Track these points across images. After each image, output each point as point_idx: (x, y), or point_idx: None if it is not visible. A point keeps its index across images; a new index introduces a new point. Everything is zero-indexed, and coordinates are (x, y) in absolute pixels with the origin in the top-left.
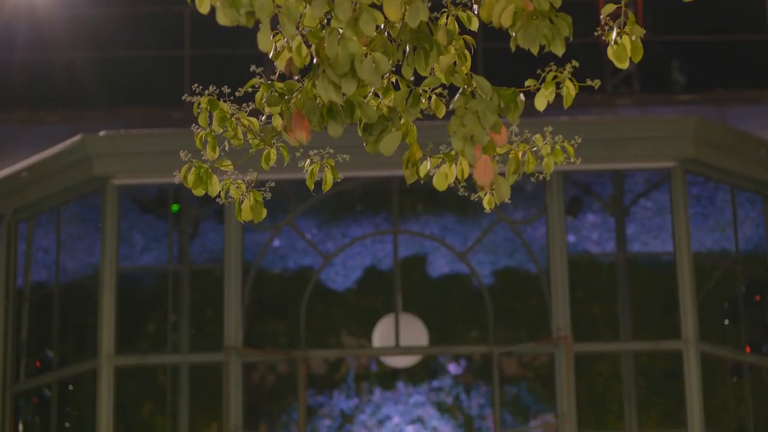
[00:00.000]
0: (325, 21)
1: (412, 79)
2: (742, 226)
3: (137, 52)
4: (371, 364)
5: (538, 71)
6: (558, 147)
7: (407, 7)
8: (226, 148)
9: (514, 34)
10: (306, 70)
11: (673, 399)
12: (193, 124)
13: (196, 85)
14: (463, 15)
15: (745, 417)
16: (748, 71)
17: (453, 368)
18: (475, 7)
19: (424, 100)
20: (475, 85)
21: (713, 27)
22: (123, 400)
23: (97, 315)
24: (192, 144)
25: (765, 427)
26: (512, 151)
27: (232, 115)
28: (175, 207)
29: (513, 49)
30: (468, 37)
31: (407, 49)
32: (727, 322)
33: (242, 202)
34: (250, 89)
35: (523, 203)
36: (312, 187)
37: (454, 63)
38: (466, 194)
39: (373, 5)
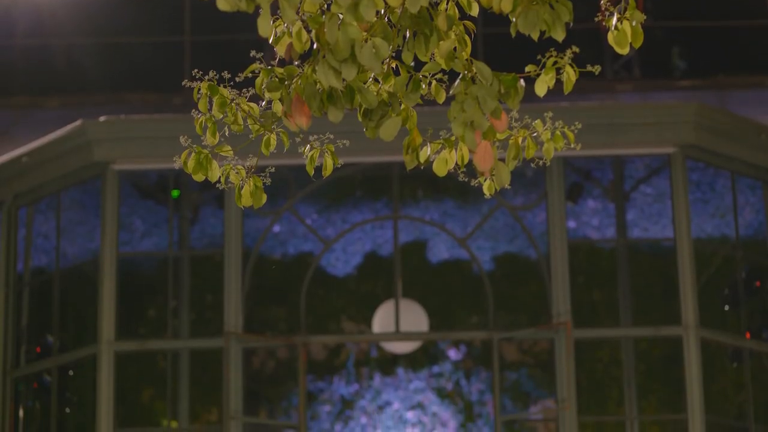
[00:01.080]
0: (326, 6)
1: (413, 64)
2: (743, 211)
3: (137, 38)
4: (371, 349)
5: (539, 57)
6: (558, 133)
7: None
8: (226, 134)
9: (514, 19)
10: (306, 56)
11: (673, 385)
12: (193, 110)
13: (196, 70)
14: (463, 0)
15: (745, 402)
16: (749, 57)
17: (453, 354)
18: None
19: (424, 86)
20: (475, 70)
21: (714, 12)
22: (123, 386)
23: (98, 300)
24: (192, 129)
25: (765, 413)
26: (512, 137)
27: (232, 100)
28: (175, 192)
29: (513, 34)
30: (468, 23)
31: (407, 34)
32: (727, 307)
33: (242, 187)
34: (250, 74)
35: (524, 189)
36: (312, 172)
37: (455, 48)
38: (466, 180)
39: None
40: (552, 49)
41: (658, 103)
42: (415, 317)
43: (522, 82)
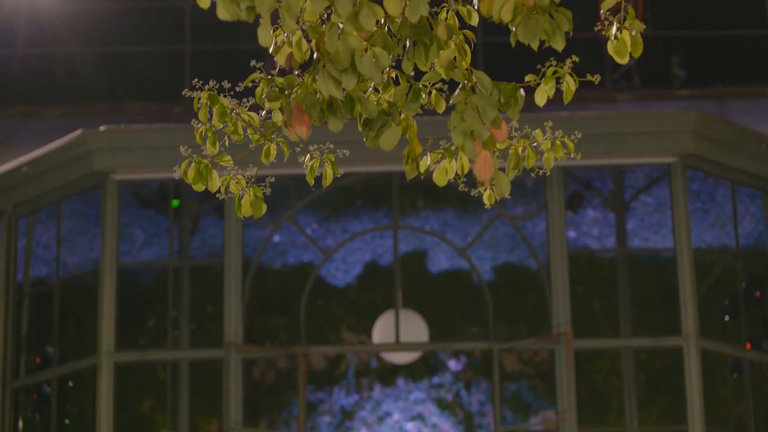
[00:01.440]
0: (326, 16)
1: (413, 74)
2: (743, 221)
3: (138, 47)
4: (371, 360)
5: (538, 66)
6: (558, 142)
7: (407, 2)
8: (226, 144)
9: (514, 29)
10: (306, 65)
11: (674, 395)
12: (194, 119)
13: (196, 80)
14: (463, 10)
15: (746, 413)
16: (748, 66)
17: (453, 365)
18: (475, 1)
19: (424, 95)
20: (475, 80)
21: (713, 22)
22: (123, 396)
23: (98, 311)
24: (192, 139)
25: (765, 424)
26: (512, 147)
27: (233, 110)
28: (175, 202)
29: (513, 44)
30: (468, 32)
31: (407, 44)
32: (727, 318)
33: (242, 197)
34: (250, 84)
35: (524, 199)
36: (312, 182)
37: (454, 58)
38: (466, 190)
39: (373, 0)
40: (552, 58)
41: (657, 112)
42: (415, 328)
43: (522, 91)
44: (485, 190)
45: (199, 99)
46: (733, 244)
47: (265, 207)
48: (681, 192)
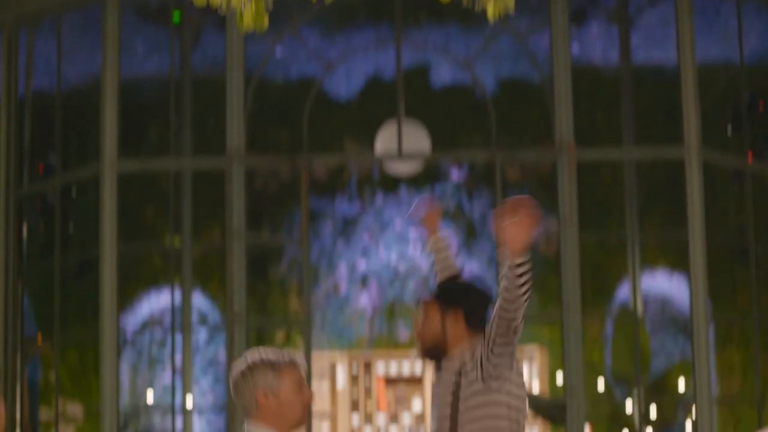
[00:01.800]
0: None
1: None
2: (748, 37)
3: None
4: (374, 170)
5: None
6: None
7: None
8: None
9: None
10: None
11: (675, 205)
12: None
13: None
14: None
15: (746, 223)
16: None
17: (455, 174)
18: None
19: None
20: None
21: None
22: (126, 206)
23: (100, 122)
24: None
25: (764, 233)
26: None
27: None
28: (176, 15)
29: None
30: None
31: None
32: (730, 130)
33: (243, 10)
34: None
35: (528, 12)
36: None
37: None
38: (470, 5)
39: None
40: None
41: None
42: (417, 138)
43: None
44: (489, 4)
45: None
46: (738, 60)
47: (267, 21)
48: (686, 7)
